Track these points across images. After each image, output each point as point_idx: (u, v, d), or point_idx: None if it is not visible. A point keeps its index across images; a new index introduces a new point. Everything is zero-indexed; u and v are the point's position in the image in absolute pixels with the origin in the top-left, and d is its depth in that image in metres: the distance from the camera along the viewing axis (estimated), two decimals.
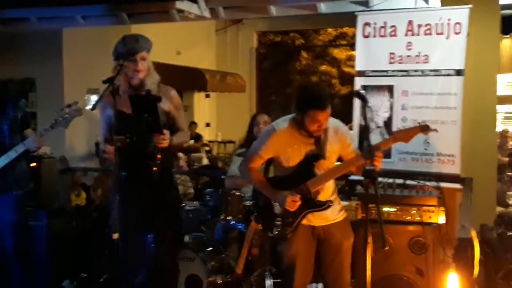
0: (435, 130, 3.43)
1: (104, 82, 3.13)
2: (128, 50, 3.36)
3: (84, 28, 7.34)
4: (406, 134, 3.27)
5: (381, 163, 3.19)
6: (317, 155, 3.33)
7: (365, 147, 3.04)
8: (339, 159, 3.51)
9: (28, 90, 9.03)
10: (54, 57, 8.73)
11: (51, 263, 4.56)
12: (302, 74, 16.34)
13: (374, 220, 3.17)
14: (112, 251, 3.28)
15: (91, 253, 4.85)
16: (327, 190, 3.43)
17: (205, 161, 11.17)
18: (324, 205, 3.37)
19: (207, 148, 12.01)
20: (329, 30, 15.43)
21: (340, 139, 3.37)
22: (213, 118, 12.69)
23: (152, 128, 3.18)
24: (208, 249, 4.35)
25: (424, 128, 3.28)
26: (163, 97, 3.44)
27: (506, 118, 9.18)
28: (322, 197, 3.39)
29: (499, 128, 8.65)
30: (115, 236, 3.21)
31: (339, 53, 15.85)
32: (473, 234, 3.33)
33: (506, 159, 7.92)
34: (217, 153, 12.64)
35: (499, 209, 6.33)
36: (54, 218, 4.67)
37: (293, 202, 3.30)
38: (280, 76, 16.01)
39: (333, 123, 3.34)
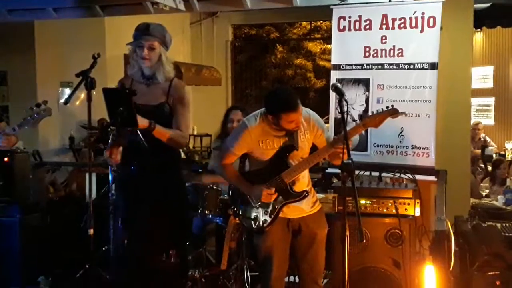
0: (404, 113, 3.43)
1: (78, 75, 3.08)
2: (138, 36, 3.38)
3: (57, 20, 7.20)
4: (376, 119, 3.29)
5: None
6: (290, 146, 3.36)
7: (345, 163, 3.02)
8: (314, 148, 3.52)
9: None
10: (26, 50, 8.54)
11: (25, 259, 4.48)
12: (277, 67, 16.33)
13: (351, 213, 3.20)
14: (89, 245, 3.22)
15: (66, 249, 4.79)
16: (302, 181, 3.46)
17: (181, 155, 11.09)
18: (301, 195, 3.40)
19: None
20: (304, 23, 15.43)
21: (311, 128, 3.40)
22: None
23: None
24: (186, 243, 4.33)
25: (392, 112, 3.28)
26: (173, 91, 3.48)
27: (478, 110, 9.32)
28: (297, 188, 3.42)
29: (471, 120, 8.79)
30: (91, 232, 3.17)
31: (314, 47, 15.87)
32: (449, 226, 3.37)
33: (478, 151, 8.04)
34: (193, 146, 12.56)
35: (473, 200, 6.44)
36: (27, 213, 4.59)
37: (268, 195, 3.32)
38: (256, 69, 15.96)
39: (304, 112, 3.35)
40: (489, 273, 3.47)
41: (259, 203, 3.41)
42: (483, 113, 9.25)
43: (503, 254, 3.63)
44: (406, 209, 3.84)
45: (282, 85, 3.66)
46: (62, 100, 7.85)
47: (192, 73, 10.92)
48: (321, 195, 6.32)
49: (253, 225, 3.45)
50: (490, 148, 7.97)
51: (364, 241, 2.89)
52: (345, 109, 3.13)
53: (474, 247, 3.75)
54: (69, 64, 7.75)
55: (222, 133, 4.79)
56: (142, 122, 3.19)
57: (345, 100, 3.10)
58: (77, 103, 7.08)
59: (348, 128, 3.20)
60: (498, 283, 3.45)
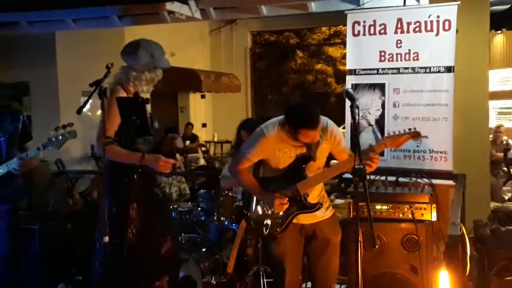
0: (426, 137, 3.49)
1: (92, 85, 3.13)
2: (166, 60, 3.60)
3: (78, 31, 7.33)
4: (397, 140, 3.29)
5: (377, 164, 3.23)
6: (307, 156, 3.35)
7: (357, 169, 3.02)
8: (331, 156, 3.52)
9: (22, 95, 9.00)
10: (47, 60, 8.71)
11: (44, 266, 4.54)
12: (298, 73, 16.34)
13: (366, 219, 3.18)
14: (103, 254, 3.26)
15: (86, 256, 4.84)
16: (316, 190, 3.45)
17: (202, 162, 11.17)
18: (314, 207, 3.40)
19: (203, 149, 12.01)
20: (323, 28, 15.42)
21: (329, 138, 3.38)
22: (209, 119, 12.68)
23: (140, 130, 3.17)
24: (202, 250, 4.36)
25: (414, 135, 3.34)
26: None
27: (500, 113, 9.18)
28: (311, 198, 3.41)
29: (493, 123, 8.67)
30: (106, 239, 3.20)
31: (334, 52, 15.84)
32: (464, 230, 3.32)
33: (501, 154, 7.91)
34: (214, 153, 12.64)
35: (495, 204, 6.33)
36: (47, 221, 4.65)
37: (281, 204, 3.33)
38: (276, 75, 16.00)
39: (322, 122, 3.33)
40: (507, 278, 3.41)
41: (271, 210, 3.41)
42: (505, 116, 9.11)
43: None
44: (422, 214, 3.81)
45: (304, 100, 3.65)
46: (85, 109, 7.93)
47: (212, 80, 11.00)
48: (340, 201, 6.32)
49: (265, 231, 3.45)
50: None
51: (376, 246, 2.85)
52: (358, 114, 3.12)
53: (492, 252, 3.70)
54: (90, 74, 7.79)
55: (236, 143, 4.81)
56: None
57: (357, 106, 3.08)
58: (99, 112, 7.18)
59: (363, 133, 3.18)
60: None
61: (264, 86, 15.45)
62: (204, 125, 12.49)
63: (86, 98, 3.17)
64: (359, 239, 2.88)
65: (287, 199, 3.34)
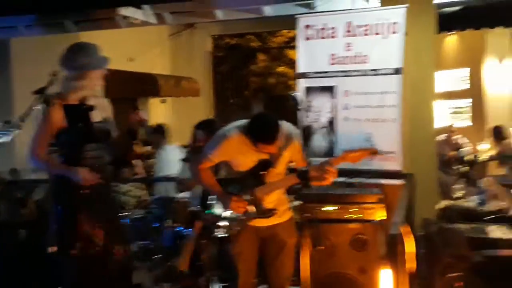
0: (382, 153, 3.73)
1: (35, 92, 3.09)
2: (100, 60, 3.37)
3: (34, 37, 7.21)
4: (356, 155, 3.35)
5: (333, 177, 3.28)
6: (268, 162, 3.37)
7: (302, 171, 3.07)
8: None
9: None
10: (2, 68, 8.55)
11: None
12: (260, 76, 16.40)
13: (317, 220, 3.25)
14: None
15: (36, 267, 4.77)
16: (274, 195, 3.47)
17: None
18: (268, 214, 3.42)
19: None
20: (284, 32, 15.52)
21: (291, 146, 3.38)
22: (169, 124, 12.60)
23: (86, 137, 3.15)
24: (156, 257, 4.35)
25: (372, 152, 3.43)
26: (101, 108, 3.44)
27: (455, 113, 9.42)
28: (267, 202, 3.43)
29: (446, 122, 8.89)
30: (53, 249, 3.17)
31: (295, 55, 15.92)
32: (405, 229, 3.40)
33: (454, 152, 8.11)
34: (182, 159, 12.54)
35: (447, 202, 6.49)
36: None
37: (238, 207, 3.36)
38: (238, 78, 16.02)
39: (286, 129, 3.35)
40: (451, 275, 3.50)
41: (228, 212, 3.44)
42: (459, 115, 9.35)
43: (466, 255, 3.67)
44: (370, 214, 3.88)
45: (267, 114, 3.65)
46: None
47: (171, 84, 10.95)
48: (299, 202, 6.38)
49: (219, 232, 3.48)
50: (465, 149, 8.04)
51: (322, 247, 2.91)
52: (306, 117, 3.16)
53: (438, 249, 3.79)
54: (46, 81, 7.73)
55: (191, 147, 4.83)
56: None
57: (300, 109, 3.14)
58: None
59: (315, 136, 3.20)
60: (460, 284, 3.47)
61: (226, 89, 15.46)
62: None
63: (29, 107, 3.11)
64: (305, 240, 2.93)
65: (244, 202, 3.36)
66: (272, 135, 3.22)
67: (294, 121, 3.23)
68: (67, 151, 3.19)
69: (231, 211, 3.39)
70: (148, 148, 10.85)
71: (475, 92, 9.44)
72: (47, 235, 3.34)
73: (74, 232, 3.30)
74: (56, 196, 3.36)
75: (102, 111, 3.46)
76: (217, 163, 3.51)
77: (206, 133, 4.48)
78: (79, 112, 3.19)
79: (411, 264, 3.50)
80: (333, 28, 4.80)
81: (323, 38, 4.85)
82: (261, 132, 3.24)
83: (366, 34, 4.69)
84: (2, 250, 4.57)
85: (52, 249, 3.16)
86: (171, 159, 5.94)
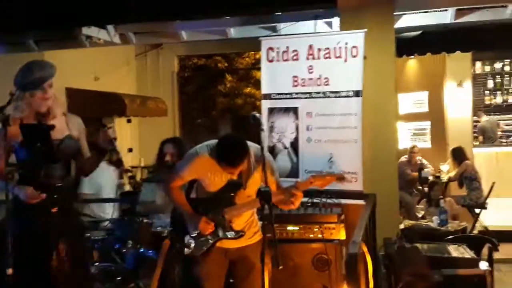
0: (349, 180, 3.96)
1: None
2: (37, 79, 3.30)
3: None
4: (323, 179, 3.40)
5: (299, 201, 3.36)
6: (237, 184, 3.40)
7: (262, 191, 3.10)
8: None
9: None
10: None
11: None
12: (227, 96, 16.45)
13: (280, 240, 3.26)
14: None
15: None
16: (244, 216, 3.49)
17: (127, 188, 10.96)
18: (237, 235, 3.43)
19: (130, 174, 11.81)
20: (251, 53, 15.66)
21: (260, 168, 3.34)
22: (135, 143, 12.51)
23: (45, 157, 3.13)
24: (117, 278, 4.29)
25: (339, 177, 3.49)
26: (70, 124, 3.43)
27: (415, 134, 9.62)
28: (236, 224, 3.45)
29: (408, 144, 9.06)
30: (9, 271, 3.10)
31: None
32: (364, 249, 3.46)
33: (416, 173, 8.27)
34: (141, 178, 12.43)
35: (409, 222, 6.61)
36: None
37: (206, 227, 3.37)
38: (205, 99, 16.03)
39: (255, 151, 3.37)
40: None
41: (196, 232, 3.43)
42: (419, 137, 9.55)
43: (426, 274, 3.74)
44: (331, 233, 3.94)
45: (234, 137, 3.66)
46: None
47: (137, 104, 10.89)
48: None
49: (187, 252, 3.47)
50: (426, 170, 8.21)
51: (280, 267, 2.93)
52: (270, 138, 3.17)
53: (398, 268, 3.85)
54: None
55: (157, 166, 4.81)
56: None
57: (262, 130, 3.19)
58: None
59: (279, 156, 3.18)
60: None
61: (192, 110, 15.44)
62: (130, 150, 12.30)
63: None
64: (265, 260, 2.95)
65: (213, 224, 3.37)
66: (237, 158, 3.26)
67: (257, 141, 3.27)
68: (24, 170, 3.15)
69: (199, 231, 3.40)
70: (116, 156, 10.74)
71: (435, 114, 9.67)
72: (5, 257, 3.28)
73: (31, 252, 3.27)
74: (13, 217, 3.30)
75: (71, 127, 3.45)
76: (189, 182, 3.53)
77: (174, 147, 4.50)
78: (37, 132, 3.17)
79: (370, 282, 3.56)
80: (295, 50, 4.89)
81: (286, 60, 4.92)
82: (226, 155, 3.27)
83: (327, 57, 4.79)
84: None
85: (9, 271, 3.10)
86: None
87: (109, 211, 5.97)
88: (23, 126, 3.18)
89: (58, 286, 3.46)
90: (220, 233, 3.43)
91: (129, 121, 11.88)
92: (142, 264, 4.57)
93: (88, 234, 4.43)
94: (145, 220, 4.37)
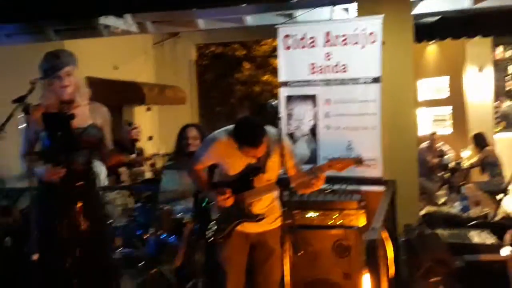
0: (368, 165, 3.84)
1: (15, 101, 3.11)
2: (51, 67, 3.35)
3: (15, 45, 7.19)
4: (341, 164, 3.40)
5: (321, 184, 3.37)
6: (256, 168, 3.42)
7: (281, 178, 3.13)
8: None
9: None
10: None
11: None
12: (245, 84, 16.46)
13: (299, 226, 3.29)
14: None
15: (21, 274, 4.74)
16: (264, 201, 3.51)
17: (148, 175, 11.07)
18: (256, 218, 3.46)
19: (150, 162, 11.91)
20: (269, 40, 15.61)
21: (278, 152, 3.38)
22: (155, 132, 12.60)
23: (65, 146, 3.17)
24: (140, 264, 4.35)
25: (357, 161, 3.46)
26: (94, 113, 3.47)
27: (435, 120, 9.54)
28: (257, 208, 3.48)
29: (429, 130, 9.00)
30: (35, 257, 3.17)
31: None
32: (384, 235, 3.46)
33: (436, 160, 8.22)
34: (162, 166, 12.53)
35: (430, 208, 6.58)
36: None
37: (223, 199, 3.40)
38: (223, 87, 16.07)
39: (273, 135, 3.39)
40: (431, 279, 3.55)
41: (217, 215, 3.47)
42: (440, 123, 9.47)
43: (446, 260, 3.72)
44: (351, 220, 3.94)
45: (251, 118, 3.69)
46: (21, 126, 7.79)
47: (156, 93, 10.96)
48: None
49: (208, 234, 3.51)
50: (447, 156, 8.15)
51: (300, 253, 2.95)
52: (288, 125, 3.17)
53: (419, 255, 3.84)
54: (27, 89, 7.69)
55: (176, 151, 4.84)
56: None
57: (279, 118, 3.20)
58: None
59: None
60: None
61: (211, 98, 15.49)
62: (150, 138, 12.39)
63: (9, 115, 3.13)
64: (285, 247, 2.98)
65: (228, 193, 3.40)
66: (256, 138, 3.27)
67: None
68: (47, 157, 3.20)
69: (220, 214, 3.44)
70: (133, 156, 10.85)
71: (455, 100, 9.57)
72: (29, 242, 3.35)
73: (54, 240, 3.32)
74: (38, 203, 3.37)
75: (95, 116, 3.48)
76: (210, 168, 3.58)
77: (197, 130, 4.54)
78: (57, 120, 3.21)
79: (390, 268, 3.56)
80: (312, 37, 4.86)
81: (303, 47, 4.90)
82: (246, 136, 3.29)
83: (344, 44, 4.76)
84: None
85: (35, 256, 3.17)
86: None
87: None
88: (44, 115, 3.22)
89: (82, 271, 3.49)
90: (240, 216, 3.46)
91: (148, 109, 11.96)
92: (163, 250, 4.63)
93: (111, 221, 4.49)
94: (166, 207, 4.40)
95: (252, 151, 3.30)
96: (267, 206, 3.52)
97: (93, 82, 9.09)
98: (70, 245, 3.32)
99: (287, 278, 3.34)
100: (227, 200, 3.42)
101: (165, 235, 4.44)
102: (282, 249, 3.37)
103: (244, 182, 3.44)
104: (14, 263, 4.79)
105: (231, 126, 3.42)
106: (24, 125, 3.24)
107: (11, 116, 3.10)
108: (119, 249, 4.41)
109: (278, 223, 3.53)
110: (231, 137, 3.37)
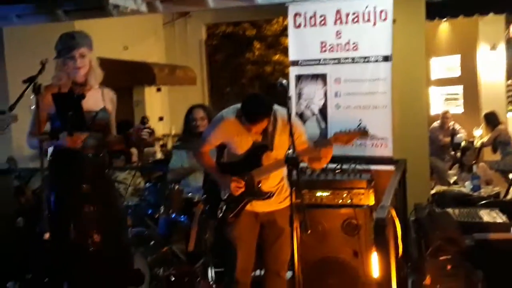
0: (372, 136, 3.95)
1: (25, 81, 3.13)
2: (65, 48, 3.37)
3: (26, 26, 7.21)
4: (346, 136, 3.40)
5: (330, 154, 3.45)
6: (264, 146, 3.44)
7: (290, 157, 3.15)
8: None
9: None
10: None
11: None
12: (256, 64, 16.37)
13: (308, 205, 3.30)
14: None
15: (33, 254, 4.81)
16: (273, 180, 3.53)
17: (159, 156, 11.13)
18: (265, 196, 3.48)
19: (161, 142, 11.96)
20: (279, 19, 15.48)
21: (286, 130, 3.38)
22: (166, 112, 12.62)
23: (76, 125, 3.19)
24: (151, 243, 4.40)
25: (362, 132, 3.45)
26: (105, 97, 3.48)
27: (447, 99, 9.46)
28: (266, 187, 3.50)
29: (440, 109, 8.93)
30: (46, 236, 3.21)
31: None
32: (393, 213, 3.46)
33: (448, 139, 8.17)
34: (173, 146, 12.57)
35: (441, 188, 6.56)
36: None
37: (236, 187, 3.43)
38: (234, 67, 16.00)
39: (283, 114, 3.39)
40: (441, 258, 3.56)
41: (226, 195, 3.49)
42: (452, 102, 9.39)
43: (456, 238, 3.72)
44: (360, 199, 3.95)
45: (259, 94, 3.70)
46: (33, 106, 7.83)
47: (166, 73, 10.95)
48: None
49: (219, 215, 3.54)
50: (459, 135, 8.10)
51: (308, 232, 2.98)
52: (292, 105, 3.20)
53: (428, 233, 3.85)
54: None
55: (184, 132, 4.87)
56: None
57: (289, 97, 3.20)
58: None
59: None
60: (449, 267, 3.53)
61: (221, 78, 15.44)
62: (161, 119, 12.42)
63: (19, 95, 3.15)
64: (294, 225, 3.00)
65: (243, 183, 3.44)
66: (260, 114, 3.29)
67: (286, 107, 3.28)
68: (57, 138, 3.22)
69: (230, 194, 3.46)
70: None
71: (467, 78, 9.47)
72: (41, 222, 3.39)
73: (67, 219, 3.36)
74: (50, 183, 3.41)
75: (106, 100, 3.50)
76: (219, 148, 3.60)
77: (203, 111, 4.57)
78: (67, 100, 3.23)
79: (398, 247, 3.57)
80: (322, 15, 4.83)
81: (313, 26, 4.86)
82: (250, 111, 3.32)
83: (355, 22, 4.72)
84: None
85: (47, 235, 3.21)
86: None
87: None
88: (54, 95, 3.23)
89: (97, 252, 3.51)
90: (248, 194, 3.49)
91: (159, 89, 11.98)
92: (174, 229, 4.68)
93: (122, 200, 4.54)
94: (176, 187, 4.43)
95: (257, 125, 3.32)
96: (276, 186, 3.55)
97: (103, 63, 9.12)
98: (83, 226, 3.37)
99: (296, 256, 3.36)
100: (240, 189, 3.45)
101: (175, 215, 4.48)
102: (291, 228, 3.38)
103: (252, 160, 3.47)
104: (26, 243, 4.85)
105: (237, 105, 3.44)
106: (34, 105, 3.26)
107: (21, 96, 3.12)
108: (130, 228, 4.45)
109: (287, 202, 3.55)
110: (238, 115, 3.40)
